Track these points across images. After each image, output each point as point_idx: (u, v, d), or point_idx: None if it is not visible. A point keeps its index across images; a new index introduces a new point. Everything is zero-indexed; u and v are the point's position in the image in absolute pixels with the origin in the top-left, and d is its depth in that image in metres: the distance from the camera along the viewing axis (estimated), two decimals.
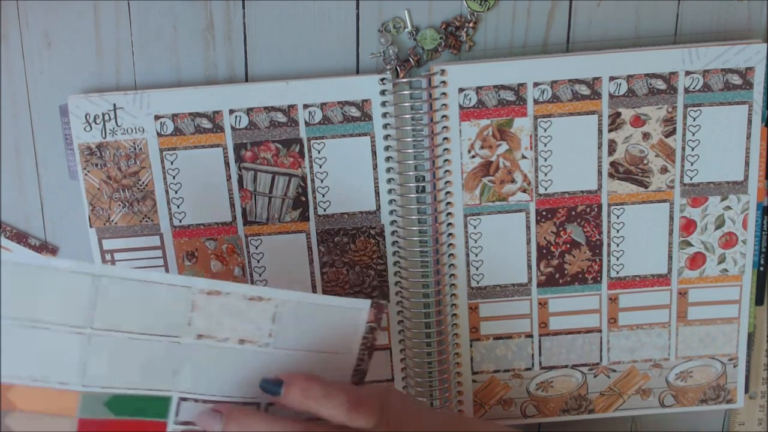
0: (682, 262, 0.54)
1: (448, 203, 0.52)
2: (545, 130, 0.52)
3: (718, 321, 0.55)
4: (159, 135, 0.51)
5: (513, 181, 0.52)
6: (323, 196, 0.52)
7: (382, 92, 0.51)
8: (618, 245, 0.53)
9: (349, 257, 0.53)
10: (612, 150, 0.52)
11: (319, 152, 0.52)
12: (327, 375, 0.42)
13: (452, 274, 0.53)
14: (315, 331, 0.42)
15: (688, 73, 0.51)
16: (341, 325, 0.43)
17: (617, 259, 0.53)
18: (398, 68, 0.51)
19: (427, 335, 0.53)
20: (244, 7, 0.51)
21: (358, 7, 0.51)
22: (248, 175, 0.52)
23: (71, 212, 0.53)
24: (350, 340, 0.43)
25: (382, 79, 0.51)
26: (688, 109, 0.51)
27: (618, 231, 0.53)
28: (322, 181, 0.52)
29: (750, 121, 0.52)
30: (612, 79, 0.51)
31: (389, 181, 0.52)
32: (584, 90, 0.51)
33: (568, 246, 0.53)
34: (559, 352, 0.55)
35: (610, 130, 0.52)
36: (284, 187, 0.52)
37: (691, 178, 0.52)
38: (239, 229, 0.53)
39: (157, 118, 0.51)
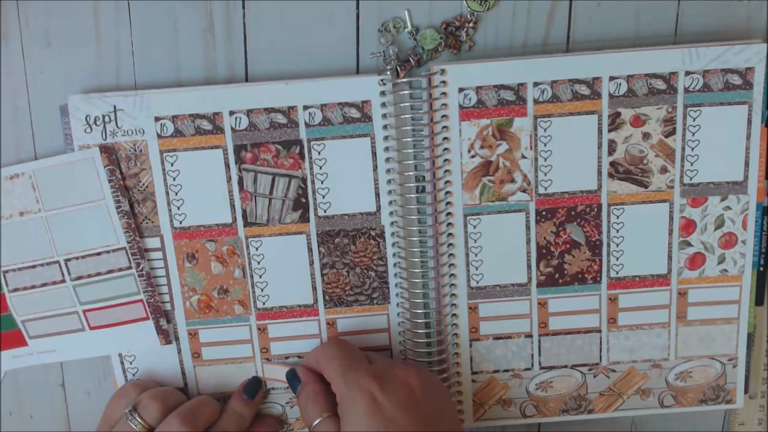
0: (681, 263, 0.54)
1: (448, 203, 0.52)
2: (545, 130, 0.52)
3: (717, 321, 0.55)
4: (159, 136, 0.51)
5: (513, 180, 0.52)
6: (323, 197, 0.52)
7: (382, 92, 0.51)
8: (618, 245, 0.53)
9: (350, 258, 0.53)
10: (612, 150, 0.52)
11: (319, 153, 0.52)
12: None
13: (452, 274, 0.53)
14: None
15: (688, 73, 0.51)
16: None
17: (617, 259, 0.53)
18: (398, 68, 0.51)
19: (427, 335, 0.53)
20: (244, 7, 0.51)
21: (358, 7, 0.51)
22: (248, 177, 0.52)
23: None
24: None
25: (382, 80, 0.51)
26: (688, 109, 0.51)
27: (618, 231, 0.53)
28: (322, 183, 0.52)
29: (750, 121, 0.51)
30: (612, 79, 0.51)
31: (389, 181, 0.52)
32: (584, 90, 0.51)
33: (568, 246, 0.53)
34: (559, 352, 0.55)
35: (610, 130, 0.52)
36: (284, 188, 0.52)
37: (691, 178, 0.52)
38: (239, 230, 0.53)
39: (157, 119, 0.51)
